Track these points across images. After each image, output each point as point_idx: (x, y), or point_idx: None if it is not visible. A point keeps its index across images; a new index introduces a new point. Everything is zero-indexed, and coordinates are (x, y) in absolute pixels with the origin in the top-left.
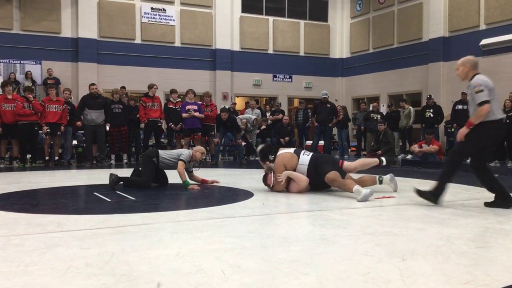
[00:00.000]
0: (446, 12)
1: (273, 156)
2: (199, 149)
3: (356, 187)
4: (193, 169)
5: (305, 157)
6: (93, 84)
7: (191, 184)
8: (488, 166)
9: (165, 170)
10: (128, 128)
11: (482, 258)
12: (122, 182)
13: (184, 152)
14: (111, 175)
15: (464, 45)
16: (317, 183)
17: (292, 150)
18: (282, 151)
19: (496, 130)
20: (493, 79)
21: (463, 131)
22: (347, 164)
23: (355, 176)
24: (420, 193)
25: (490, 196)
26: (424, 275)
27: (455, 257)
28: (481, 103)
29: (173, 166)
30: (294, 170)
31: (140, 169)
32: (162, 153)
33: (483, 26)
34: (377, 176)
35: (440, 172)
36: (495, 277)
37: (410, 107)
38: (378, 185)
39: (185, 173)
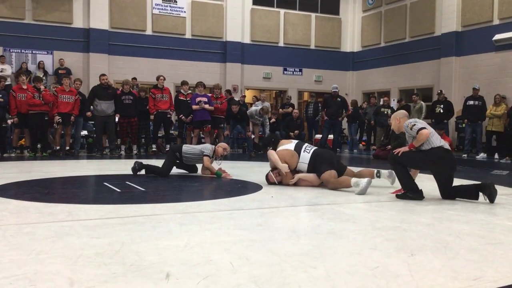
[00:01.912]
0: (459, 7)
1: (271, 147)
2: (222, 145)
3: (354, 180)
4: (215, 162)
5: (306, 155)
6: (103, 75)
7: (223, 174)
8: (454, 188)
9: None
10: (138, 119)
11: (491, 254)
12: (144, 169)
13: (207, 147)
14: (136, 162)
15: (477, 40)
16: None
17: (293, 146)
18: (282, 147)
19: (440, 157)
20: (505, 75)
21: (403, 149)
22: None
23: (354, 169)
24: (400, 197)
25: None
26: (433, 271)
27: (465, 253)
28: (419, 130)
29: (196, 161)
30: (295, 168)
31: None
32: (186, 148)
33: (496, 21)
34: (375, 170)
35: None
36: (505, 273)
37: (422, 102)
38: (376, 179)
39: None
